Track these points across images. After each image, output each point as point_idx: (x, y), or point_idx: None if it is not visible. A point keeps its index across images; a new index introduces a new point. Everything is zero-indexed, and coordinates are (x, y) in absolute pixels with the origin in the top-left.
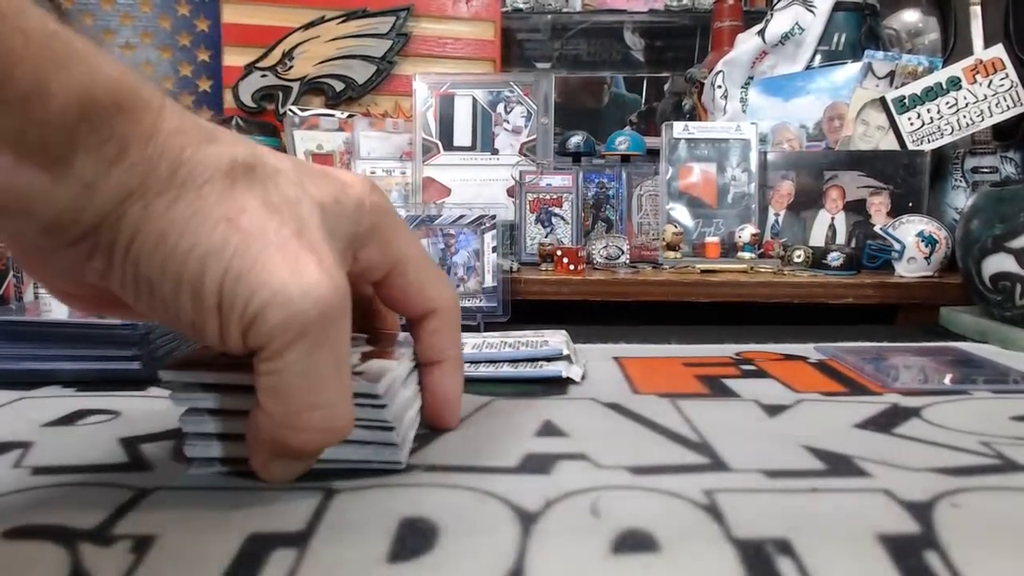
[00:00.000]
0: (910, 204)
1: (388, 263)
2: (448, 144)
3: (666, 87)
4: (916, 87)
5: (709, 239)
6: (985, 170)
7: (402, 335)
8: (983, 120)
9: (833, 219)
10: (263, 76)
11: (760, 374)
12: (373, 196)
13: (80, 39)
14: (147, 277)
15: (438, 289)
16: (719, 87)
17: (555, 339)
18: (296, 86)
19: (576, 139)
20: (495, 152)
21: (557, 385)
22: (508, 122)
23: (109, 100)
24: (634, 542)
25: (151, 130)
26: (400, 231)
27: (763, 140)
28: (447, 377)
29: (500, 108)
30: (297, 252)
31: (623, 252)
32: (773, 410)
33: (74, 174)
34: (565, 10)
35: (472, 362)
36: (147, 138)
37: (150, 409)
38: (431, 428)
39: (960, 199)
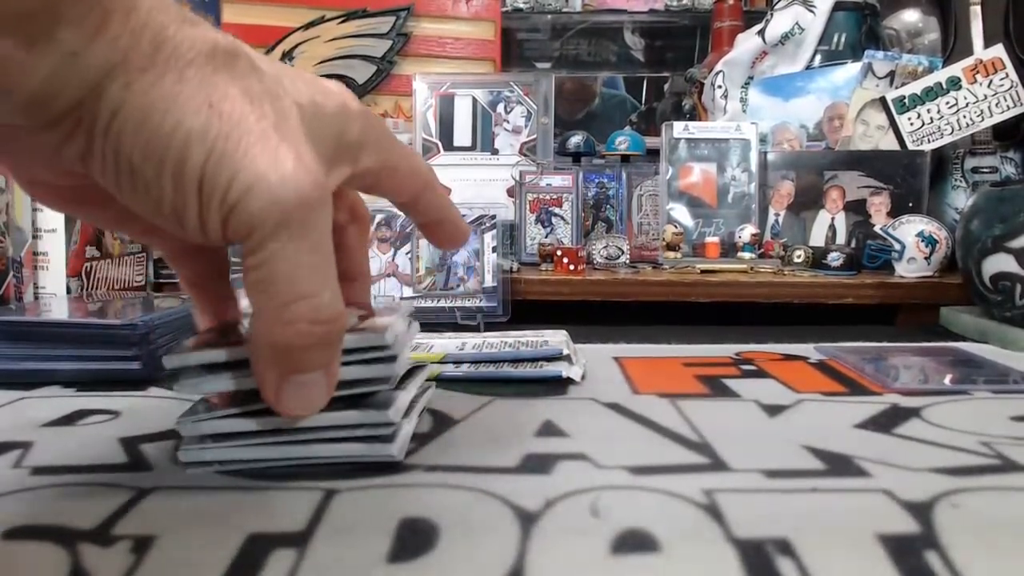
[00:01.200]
0: (910, 204)
1: (381, 165)
2: (448, 144)
3: (666, 87)
4: (916, 87)
5: (709, 239)
6: (985, 170)
7: (383, 302)
8: (983, 120)
9: (833, 219)
10: None
11: (760, 374)
12: (356, 102)
13: None
14: (128, 158)
15: (421, 167)
16: (719, 87)
17: (555, 339)
18: None
19: (576, 139)
20: (495, 152)
21: (557, 385)
22: (508, 122)
23: None
24: (634, 542)
25: (132, 2)
26: (385, 132)
27: (763, 140)
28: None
29: (500, 108)
30: (277, 144)
31: (623, 252)
32: (773, 410)
33: (56, 45)
34: (565, 10)
35: (472, 362)
36: (128, 10)
37: (150, 409)
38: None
39: (960, 199)
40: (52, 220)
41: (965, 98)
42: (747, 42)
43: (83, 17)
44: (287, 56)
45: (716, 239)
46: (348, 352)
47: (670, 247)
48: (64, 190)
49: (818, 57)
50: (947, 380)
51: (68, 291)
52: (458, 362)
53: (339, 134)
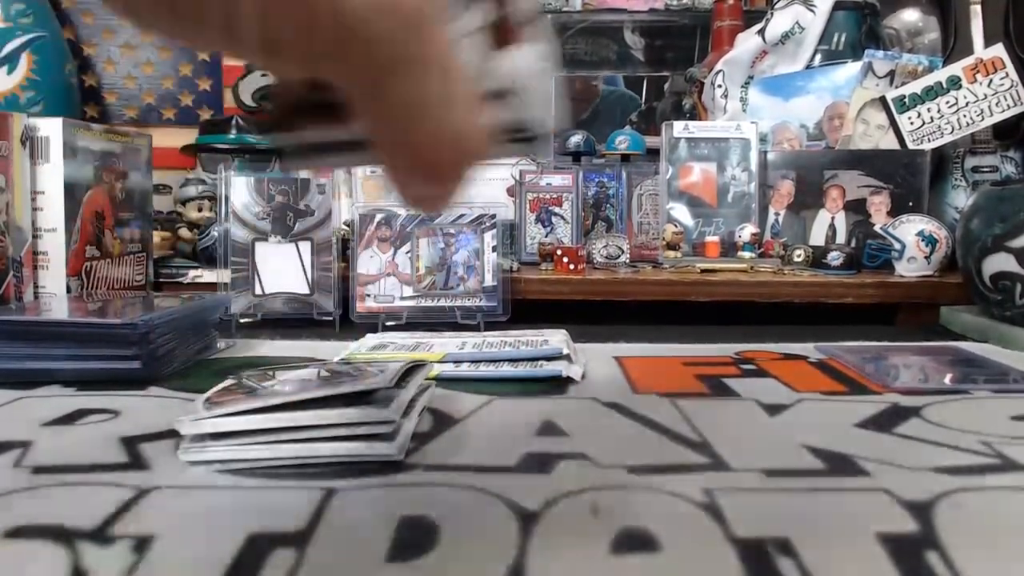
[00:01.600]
0: (910, 203)
1: None
2: None
3: (666, 87)
4: (916, 86)
5: (709, 238)
6: (985, 169)
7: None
8: (983, 119)
9: (833, 218)
10: (263, 75)
11: (760, 373)
12: None
13: None
14: None
15: None
16: (719, 86)
17: (555, 338)
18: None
19: (576, 138)
20: None
21: (557, 384)
22: None
23: None
24: (634, 541)
25: None
26: None
27: (763, 139)
28: None
29: None
30: None
31: (623, 251)
32: (773, 409)
33: None
34: (565, 9)
35: (472, 361)
36: None
37: (150, 409)
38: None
39: (960, 198)
40: (52, 220)
41: (965, 97)
42: (747, 41)
43: None
44: None
45: (716, 238)
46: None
47: (670, 246)
48: None
49: (818, 56)
50: (947, 379)
51: (68, 291)
52: (458, 361)
53: None
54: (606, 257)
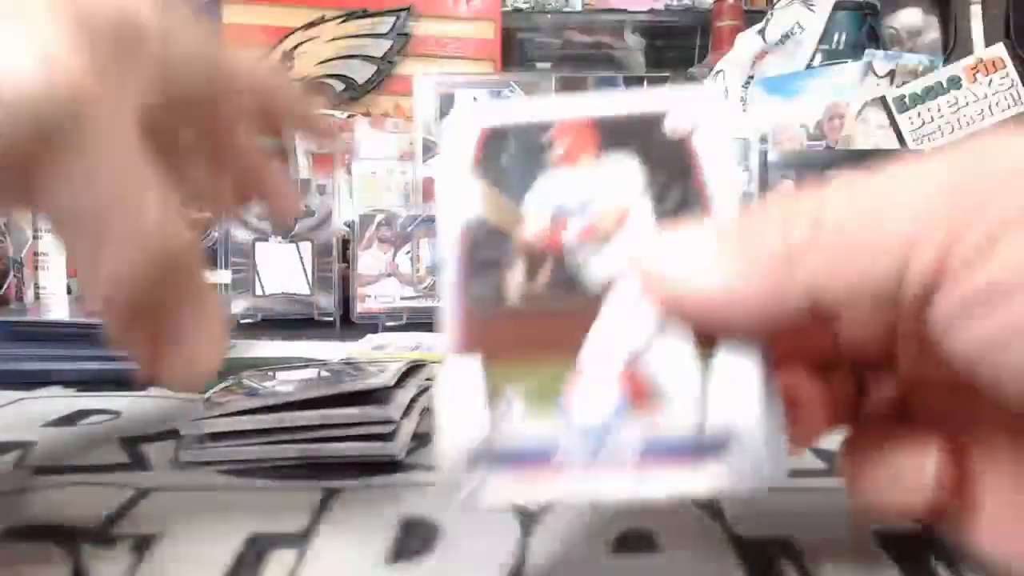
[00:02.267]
0: None
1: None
2: None
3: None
4: (916, 86)
5: None
6: None
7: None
8: (984, 119)
9: None
10: None
11: None
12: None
13: None
14: None
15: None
16: (719, 86)
17: None
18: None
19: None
20: None
21: None
22: None
23: None
24: (634, 541)
25: None
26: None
27: (763, 139)
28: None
29: None
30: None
31: None
32: None
33: None
34: (565, 9)
35: None
36: None
37: (150, 409)
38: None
39: None
40: None
41: (966, 97)
42: (747, 41)
43: None
44: (287, 56)
45: None
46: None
47: None
48: None
49: (818, 56)
50: None
51: (69, 291)
52: None
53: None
54: None
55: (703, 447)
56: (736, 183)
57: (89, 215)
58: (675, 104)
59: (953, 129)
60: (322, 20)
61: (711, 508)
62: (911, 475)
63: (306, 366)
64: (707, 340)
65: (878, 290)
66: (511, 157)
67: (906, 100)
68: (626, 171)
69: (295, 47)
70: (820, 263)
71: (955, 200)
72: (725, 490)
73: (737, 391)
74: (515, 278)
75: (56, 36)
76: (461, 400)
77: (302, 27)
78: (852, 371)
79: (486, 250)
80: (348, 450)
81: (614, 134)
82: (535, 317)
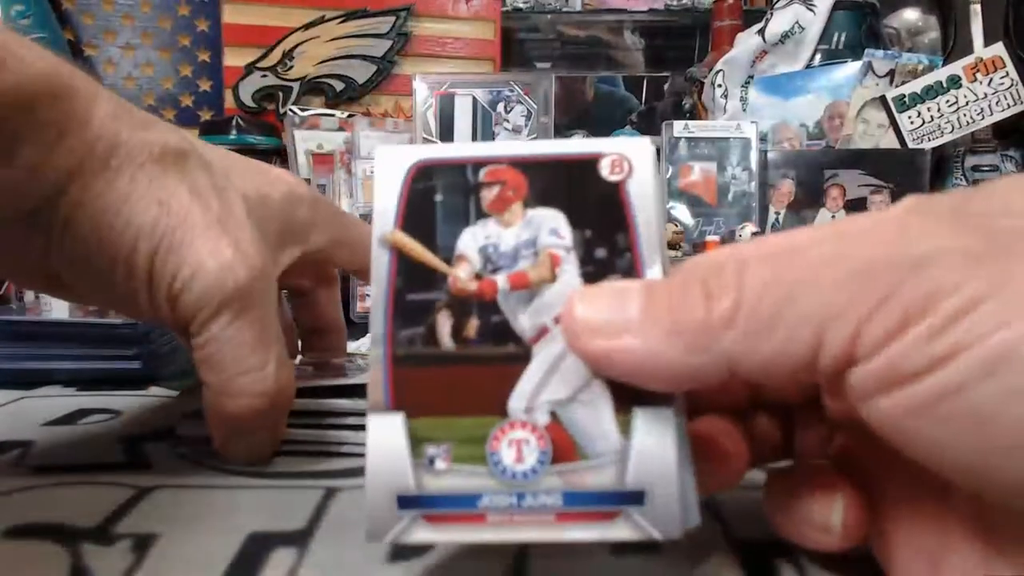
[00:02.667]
0: None
1: (332, 242)
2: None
3: (666, 87)
4: (916, 86)
5: (709, 238)
6: (985, 168)
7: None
8: (983, 118)
9: (834, 217)
10: (263, 76)
11: None
12: (303, 187)
13: (5, 32)
14: (84, 252)
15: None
16: (719, 86)
17: None
18: (296, 86)
19: (576, 138)
20: None
21: None
22: (508, 121)
23: (45, 91)
24: (634, 543)
25: (86, 115)
26: (334, 211)
27: (763, 139)
28: None
29: (500, 108)
30: (219, 235)
31: None
32: None
33: (19, 161)
34: (565, 9)
35: None
36: (83, 122)
37: (150, 408)
38: None
39: None
40: None
41: (965, 96)
42: (747, 41)
43: (40, 135)
44: (287, 56)
45: (716, 238)
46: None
47: (670, 246)
48: (35, 276)
49: (818, 56)
50: None
51: None
52: None
53: (286, 219)
54: None
55: (622, 497)
56: (664, 233)
57: (231, 361)
58: (609, 148)
59: (953, 128)
60: (322, 20)
61: (711, 510)
62: (820, 518)
63: (306, 364)
64: (626, 397)
65: (792, 365)
66: (441, 196)
67: (906, 99)
68: (556, 222)
69: (295, 47)
70: (738, 339)
71: (864, 288)
72: (642, 538)
73: (654, 445)
74: (445, 325)
75: (250, 236)
76: (386, 452)
77: (302, 27)
78: (777, 412)
79: (416, 294)
80: (344, 438)
81: (544, 179)
82: (464, 366)
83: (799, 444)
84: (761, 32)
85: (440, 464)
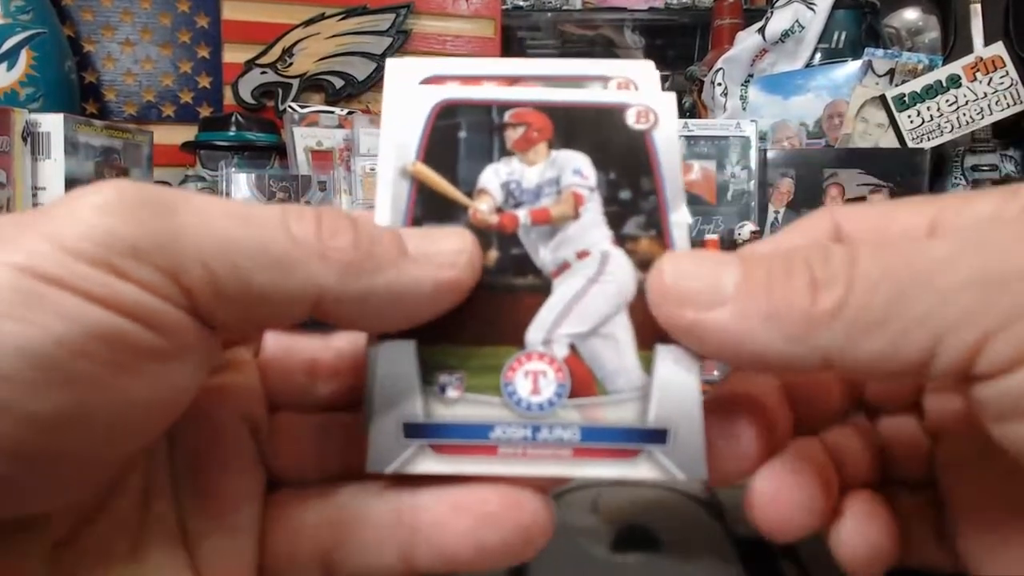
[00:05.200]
0: None
1: None
2: None
3: (666, 85)
4: (916, 85)
5: (709, 236)
6: (985, 168)
7: None
8: (983, 118)
9: None
10: (263, 73)
11: None
12: None
13: None
14: None
15: None
16: (719, 85)
17: None
18: (296, 83)
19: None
20: None
21: None
22: None
23: None
24: (634, 539)
25: None
26: None
27: (763, 138)
28: None
29: None
30: None
31: None
32: None
33: None
34: (565, 7)
35: None
36: None
37: None
38: None
39: None
40: None
41: (965, 96)
42: (747, 40)
43: None
44: (287, 53)
45: (716, 236)
46: None
47: None
48: None
49: (818, 55)
50: None
51: None
52: None
53: None
54: None
55: (643, 435)
56: (682, 183)
57: None
58: (635, 99)
59: (953, 128)
60: (322, 17)
61: (712, 507)
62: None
63: None
64: (648, 333)
65: (897, 367)
66: (465, 133)
67: (906, 99)
68: (580, 163)
69: (295, 44)
70: (841, 334)
71: (993, 297)
72: (664, 478)
73: (677, 382)
74: None
75: None
76: (395, 378)
77: (302, 24)
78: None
79: (434, 221)
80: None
81: (570, 123)
82: (481, 295)
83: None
84: (761, 31)
85: (452, 392)
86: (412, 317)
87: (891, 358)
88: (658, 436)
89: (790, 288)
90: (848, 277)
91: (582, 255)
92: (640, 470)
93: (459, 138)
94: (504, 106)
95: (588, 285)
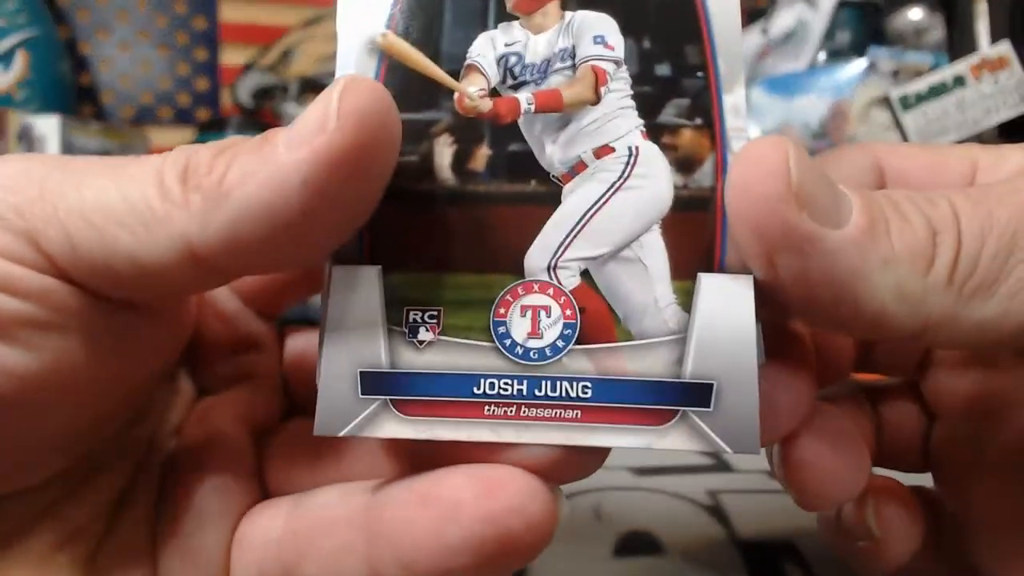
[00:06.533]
0: None
1: None
2: None
3: None
4: (921, 85)
5: None
6: None
7: None
8: (989, 118)
9: None
10: (261, 75)
11: None
12: None
13: None
14: None
15: None
16: None
17: None
18: (295, 85)
19: None
20: None
21: None
22: None
23: None
24: (637, 544)
25: None
26: None
27: None
28: None
29: None
30: None
31: None
32: None
33: None
34: None
35: None
36: None
37: None
38: None
39: None
40: None
41: (971, 96)
42: (749, 40)
43: None
44: (286, 55)
45: None
46: None
47: None
48: None
49: (821, 55)
50: None
51: None
52: None
53: None
54: None
55: (678, 392)
56: (742, 54)
57: None
58: None
59: (959, 128)
60: (321, 18)
61: (715, 510)
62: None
63: None
64: (689, 257)
65: (1008, 333)
66: None
67: (911, 99)
68: (604, 28)
69: (294, 46)
70: (952, 299)
71: None
72: (705, 450)
73: (726, 324)
74: (445, 152)
75: None
76: (351, 317)
77: (301, 26)
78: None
79: (409, 113)
80: None
81: None
82: (466, 206)
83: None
84: (764, 31)
85: (425, 334)
86: (311, 233)
87: (999, 326)
88: (698, 394)
89: (912, 233)
90: (957, 227)
91: (602, 152)
92: (671, 439)
93: None
94: None
95: (609, 193)
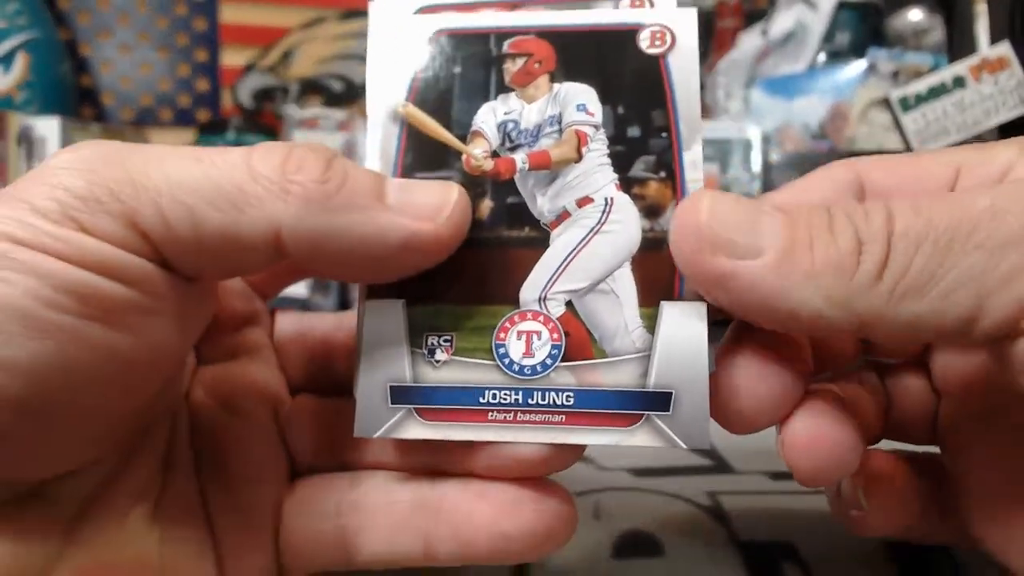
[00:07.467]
0: None
1: None
2: None
3: None
4: (921, 86)
5: None
6: None
7: None
8: (989, 119)
9: None
10: (262, 76)
11: None
12: None
13: None
14: None
15: None
16: (721, 87)
17: None
18: (295, 86)
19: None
20: None
21: None
22: None
23: None
24: (636, 545)
25: None
26: None
27: (766, 140)
28: None
29: None
30: None
31: None
32: None
33: None
34: None
35: None
36: None
37: None
38: None
39: None
40: None
41: (971, 97)
42: (749, 41)
43: None
44: (287, 56)
45: None
46: None
47: None
48: None
49: (821, 56)
50: None
51: None
52: None
53: None
54: None
55: (644, 400)
56: (699, 117)
57: None
58: (650, 18)
59: (959, 129)
60: (321, 20)
61: (714, 511)
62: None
63: None
64: (653, 289)
65: (939, 330)
66: (461, 68)
67: (910, 100)
68: (585, 97)
69: (294, 47)
70: (883, 298)
71: None
72: (665, 446)
73: (683, 343)
74: None
75: None
76: (382, 340)
77: (301, 27)
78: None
79: (426, 172)
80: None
81: (575, 51)
82: (473, 250)
83: (897, 412)
84: (764, 32)
85: (441, 355)
86: (381, 270)
87: (932, 322)
88: (660, 401)
89: (835, 247)
90: (888, 236)
91: (583, 202)
92: (638, 438)
93: (454, 73)
94: (503, 34)
95: (589, 236)
